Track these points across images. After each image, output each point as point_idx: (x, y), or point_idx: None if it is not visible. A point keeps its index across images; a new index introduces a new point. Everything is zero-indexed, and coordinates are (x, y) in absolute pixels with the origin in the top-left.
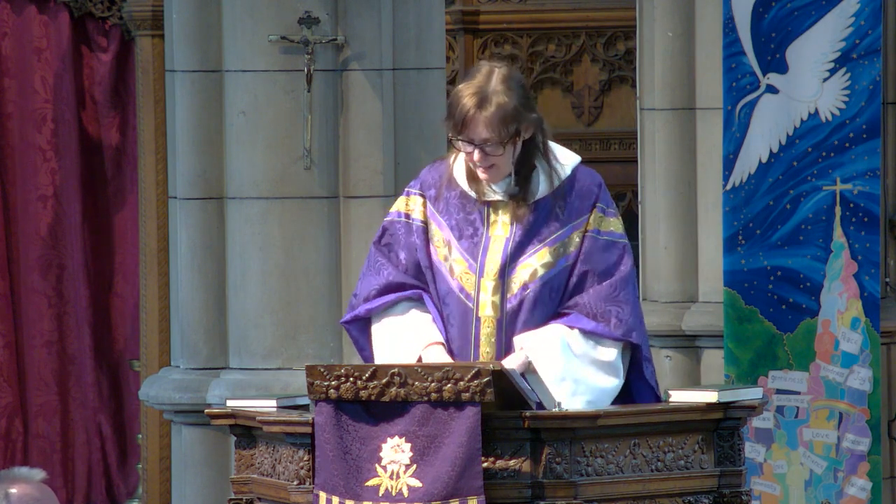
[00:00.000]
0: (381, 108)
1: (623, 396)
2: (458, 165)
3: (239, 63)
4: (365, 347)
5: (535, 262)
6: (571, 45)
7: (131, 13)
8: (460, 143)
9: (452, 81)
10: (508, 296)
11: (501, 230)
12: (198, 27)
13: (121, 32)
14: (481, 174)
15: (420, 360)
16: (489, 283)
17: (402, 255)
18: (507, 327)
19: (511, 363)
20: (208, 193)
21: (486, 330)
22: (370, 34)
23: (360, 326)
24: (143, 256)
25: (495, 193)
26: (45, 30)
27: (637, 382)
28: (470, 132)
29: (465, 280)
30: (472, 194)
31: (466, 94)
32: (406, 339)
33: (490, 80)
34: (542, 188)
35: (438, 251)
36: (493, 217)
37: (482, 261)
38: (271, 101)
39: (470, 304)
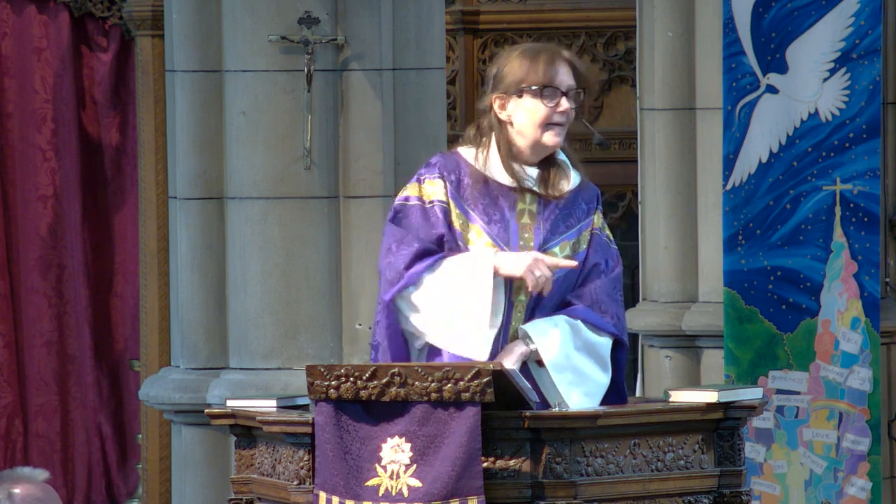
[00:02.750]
0: (381, 108)
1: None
2: (493, 156)
3: (239, 63)
4: (394, 332)
5: (558, 252)
6: (571, 45)
7: (131, 13)
8: (547, 95)
9: (452, 81)
10: None
11: (528, 219)
12: (198, 27)
13: (121, 32)
14: (553, 136)
15: (495, 270)
16: None
17: (420, 237)
18: (529, 313)
19: (515, 350)
20: (208, 193)
21: (518, 314)
22: (370, 34)
23: (391, 308)
24: (143, 256)
25: (532, 183)
26: (45, 30)
27: (610, 384)
28: (557, 79)
29: None
30: (505, 182)
31: (537, 50)
32: (466, 267)
33: (545, 44)
34: (574, 181)
35: (463, 234)
36: (520, 205)
37: (514, 246)
38: (271, 101)
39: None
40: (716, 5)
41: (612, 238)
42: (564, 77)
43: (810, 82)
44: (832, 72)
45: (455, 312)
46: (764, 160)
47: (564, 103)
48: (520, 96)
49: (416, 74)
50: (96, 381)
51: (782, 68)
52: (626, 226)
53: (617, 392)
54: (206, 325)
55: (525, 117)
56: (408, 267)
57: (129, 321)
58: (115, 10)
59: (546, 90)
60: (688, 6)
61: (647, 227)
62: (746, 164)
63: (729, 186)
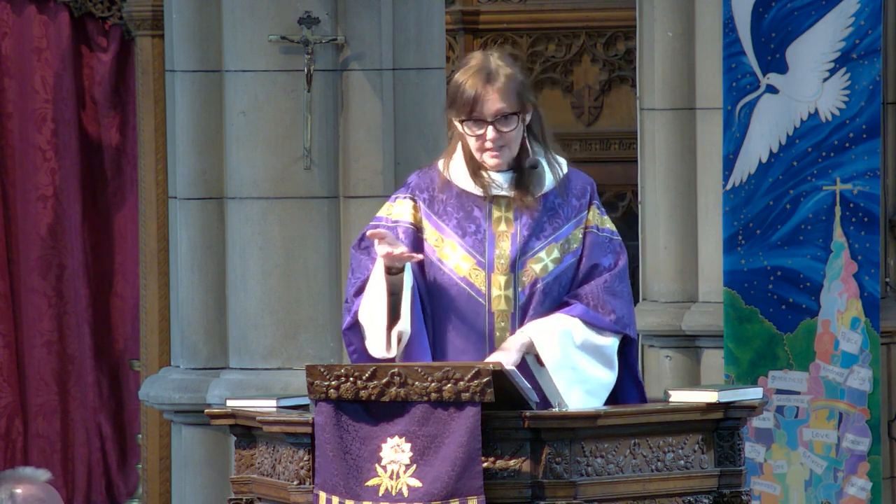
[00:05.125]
0: (381, 108)
1: (610, 396)
2: (455, 165)
3: (239, 63)
4: (362, 355)
5: (544, 256)
6: (571, 45)
7: (131, 13)
8: (470, 126)
9: None
10: (519, 290)
11: (505, 226)
12: (198, 27)
13: (121, 32)
14: (490, 159)
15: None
16: (501, 277)
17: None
18: (519, 321)
19: (514, 343)
20: (208, 193)
21: (501, 324)
22: (370, 34)
23: (358, 332)
24: (143, 256)
25: (500, 189)
26: (45, 30)
27: (628, 383)
28: (482, 108)
29: (474, 277)
30: (475, 191)
31: (470, 74)
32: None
33: (489, 59)
34: (548, 182)
35: (438, 251)
36: (495, 213)
37: (490, 256)
38: (271, 101)
39: (481, 301)
40: (716, 5)
41: (614, 230)
42: (490, 105)
43: (810, 82)
44: (832, 72)
45: (365, 319)
46: (764, 160)
47: (490, 132)
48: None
49: (416, 74)
50: (96, 381)
51: (782, 68)
52: (626, 226)
53: (636, 386)
54: (206, 325)
55: (466, 140)
56: (357, 293)
57: (129, 321)
58: (115, 10)
59: (467, 123)
60: (688, 6)
61: (647, 227)
62: (746, 164)
63: (729, 186)
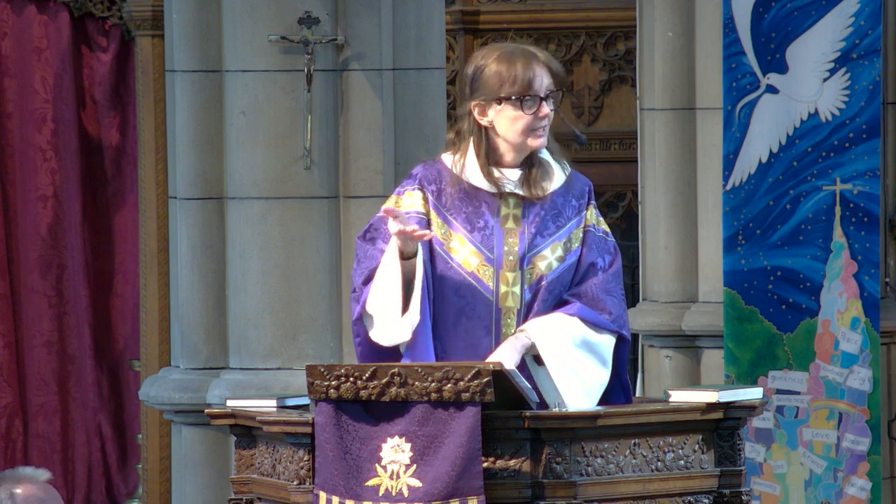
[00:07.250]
0: (381, 108)
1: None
2: (469, 162)
3: (239, 63)
4: (367, 347)
5: (549, 254)
6: (571, 45)
7: (131, 13)
8: (528, 104)
9: (452, 81)
10: (525, 287)
11: (513, 223)
12: (198, 27)
13: (121, 32)
14: (536, 139)
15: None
16: (509, 274)
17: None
18: (523, 318)
19: (514, 345)
20: (208, 193)
21: (508, 321)
22: (370, 34)
23: (359, 325)
24: (143, 256)
25: (512, 185)
26: (45, 30)
27: (615, 384)
28: (539, 83)
29: (482, 272)
30: (486, 188)
31: (513, 57)
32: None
33: (518, 45)
34: (557, 180)
35: (445, 244)
36: (503, 210)
37: (499, 252)
38: (271, 101)
39: (489, 296)
40: (716, 5)
41: (608, 231)
42: (542, 81)
43: (810, 82)
44: (832, 72)
45: (375, 305)
46: (764, 160)
47: (545, 108)
48: (499, 103)
49: (416, 74)
50: (96, 381)
51: (782, 68)
52: (626, 226)
53: (622, 388)
54: (206, 325)
55: (507, 125)
56: (365, 282)
57: (129, 321)
58: (115, 10)
59: (525, 100)
60: (688, 6)
61: (647, 227)
62: (746, 164)
63: (729, 186)
